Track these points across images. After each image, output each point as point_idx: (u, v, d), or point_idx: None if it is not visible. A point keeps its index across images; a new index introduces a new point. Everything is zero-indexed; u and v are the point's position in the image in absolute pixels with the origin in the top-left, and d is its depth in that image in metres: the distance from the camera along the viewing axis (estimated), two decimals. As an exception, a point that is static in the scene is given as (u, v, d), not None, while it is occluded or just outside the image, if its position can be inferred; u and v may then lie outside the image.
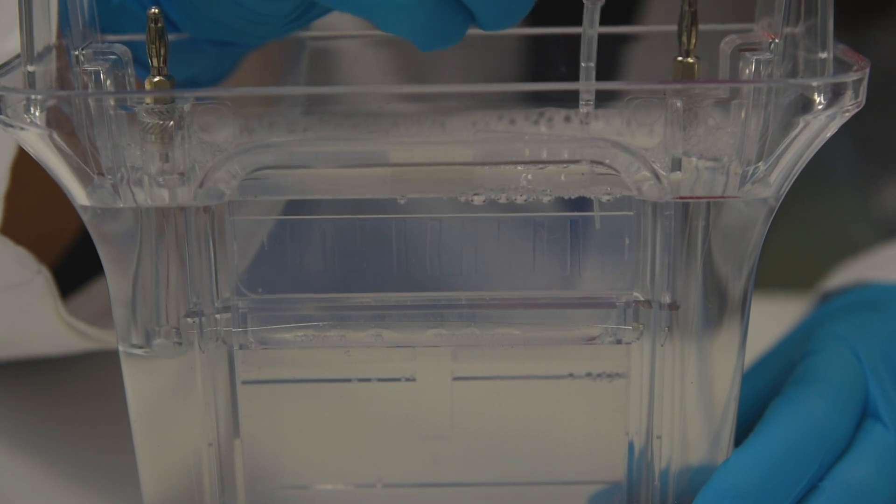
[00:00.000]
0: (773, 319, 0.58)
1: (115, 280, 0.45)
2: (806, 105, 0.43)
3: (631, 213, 0.45)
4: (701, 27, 0.45)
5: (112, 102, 0.43)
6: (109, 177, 0.43)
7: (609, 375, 0.47)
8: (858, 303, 0.56)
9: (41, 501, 0.55)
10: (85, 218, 0.44)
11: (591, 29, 0.44)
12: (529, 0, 0.41)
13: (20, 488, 0.56)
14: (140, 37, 0.45)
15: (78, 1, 0.44)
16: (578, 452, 0.48)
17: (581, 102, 0.45)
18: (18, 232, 0.51)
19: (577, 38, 0.50)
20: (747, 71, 0.45)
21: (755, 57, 0.44)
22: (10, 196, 0.50)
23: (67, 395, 0.62)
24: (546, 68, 0.52)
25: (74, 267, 0.57)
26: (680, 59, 0.45)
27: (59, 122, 0.43)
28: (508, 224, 0.46)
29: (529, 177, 0.44)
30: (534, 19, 0.46)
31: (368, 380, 0.47)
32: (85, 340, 0.54)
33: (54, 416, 0.61)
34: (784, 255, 0.81)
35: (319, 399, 0.48)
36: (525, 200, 0.45)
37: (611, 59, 0.52)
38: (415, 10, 0.40)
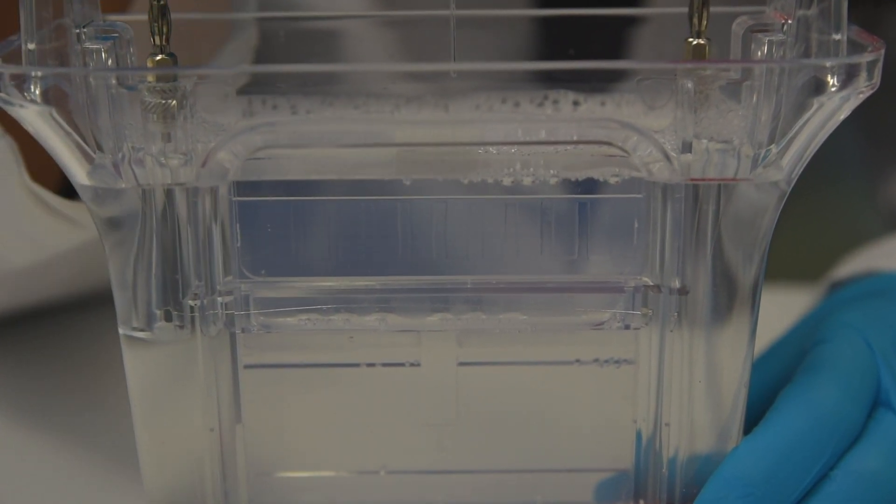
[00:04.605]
0: (781, 310, 0.57)
1: (116, 262, 0.44)
2: (819, 86, 0.42)
3: (640, 196, 0.44)
4: (712, 9, 0.44)
5: (113, 81, 0.42)
6: (110, 156, 0.43)
7: (617, 361, 0.47)
8: (869, 292, 0.56)
9: (39, 488, 0.54)
10: (85, 198, 0.44)
11: None
12: None
13: (19, 477, 0.55)
14: (142, 17, 0.45)
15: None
16: (585, 440, 0.48)
17: None
18: None
19: (586, 19, 0.49)
20: (759, 52, 0.44)
21: (767, 38, 0.44)
22: None
23: (62, 371, 0.62)
24: (553, 51, 0.52)
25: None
26: (691, 40, 0.44)
27: (60, 100, 0.42)
28: (515, 207, 0.45)
29: (536, 158, 0.44)
30: (542, 1, 0.46)
31: (372, 365, 0.47)
32: (50, 215, 0.53)
33: (50, 396, 0.60)
34: (792, 246, 0.81)
35: (322, 384, 0.48)
36: (532, 182, 0.44)
37: (619, 41, 0.52)
38: None
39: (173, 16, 0.44)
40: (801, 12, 0.44)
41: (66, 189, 0.53)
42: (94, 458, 0.55)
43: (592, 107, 0.49)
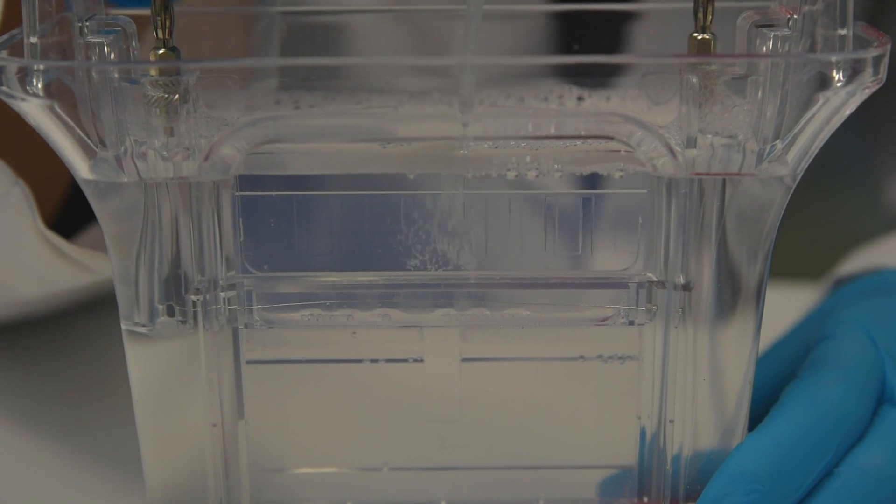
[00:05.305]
0: (785, 307, 0.57)
1: (118, 256, 0.44)
2: (824, 82, 0.42)
3: (644, 191, 0.44)
4: (717, 4, 0.44)
5: (116, 75, 0.42)
6: (113, 150, 0.43)
7: (621, 358, 0.46)
8: (873, 289, 0.55)
9: (40, 483, 0.54)
10: (87, 192, 0.44)
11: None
12: None
13: (20, 476, 0.55)
14: (144, 11, 0.44)
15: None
16: (589, 436, 0.47)
17: None
18: None
19: (590, 15, 0.49)
20: (765, 47, 0.44)
21: (773, 33, 0.44)
22: None
23: (65, 370, 0.62)
24: (557, 46, 0.52)
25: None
26: (696, 35, 0.44)
27: (62, 94, 0.42)
28: (519, 202, 0.45)
29: (541, 153, 0.44)
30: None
31: (375, 361, 0.47)
32: (64, 262, 0.53)
33: (52, 395, 0.60)
34: (796, 243, 0.81)
35: (325, 380, 0.47)
36: (536, 177, 0.44)
37: (623, 36, 0.52)
38: None
39: (176, 9, 0.44)
40: (806, 8, 0.44)
41: (73, 225, 0.53)
42: (95, 457, 0.55)
43: (597, 102, 0.49)
